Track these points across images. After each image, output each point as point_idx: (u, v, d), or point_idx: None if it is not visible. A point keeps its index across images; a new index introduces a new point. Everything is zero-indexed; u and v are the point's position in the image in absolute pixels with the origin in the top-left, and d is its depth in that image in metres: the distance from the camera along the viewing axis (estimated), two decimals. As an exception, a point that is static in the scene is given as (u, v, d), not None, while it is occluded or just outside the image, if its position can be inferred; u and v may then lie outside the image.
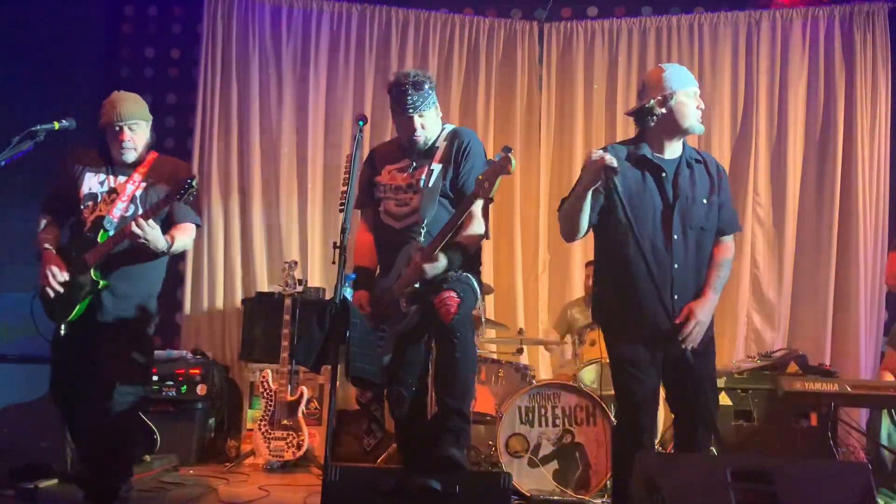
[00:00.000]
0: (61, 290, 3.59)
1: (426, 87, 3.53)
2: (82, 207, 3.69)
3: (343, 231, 3.26)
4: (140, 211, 3.63)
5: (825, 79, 6.09)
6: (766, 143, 6.13)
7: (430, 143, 3.62)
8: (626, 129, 6.20)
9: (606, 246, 3.35)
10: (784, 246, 6.03)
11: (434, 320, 3.39)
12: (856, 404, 4.98)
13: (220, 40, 6.28)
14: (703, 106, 3.29)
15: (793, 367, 4.98)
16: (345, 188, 3.37)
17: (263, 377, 5.22)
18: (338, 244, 3.25)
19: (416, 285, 3.44)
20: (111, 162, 3.76)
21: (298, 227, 6.29)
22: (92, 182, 3.73)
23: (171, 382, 5.35)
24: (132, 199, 3.68)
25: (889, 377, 4.90)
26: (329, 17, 6.39)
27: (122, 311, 3.66)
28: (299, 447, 5.11)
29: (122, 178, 3.73)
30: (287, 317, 5.18)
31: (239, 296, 6.13)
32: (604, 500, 4.30)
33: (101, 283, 3.60)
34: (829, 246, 5.95)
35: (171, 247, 3.66)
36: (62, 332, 3.63)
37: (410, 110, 3.52)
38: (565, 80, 6.36)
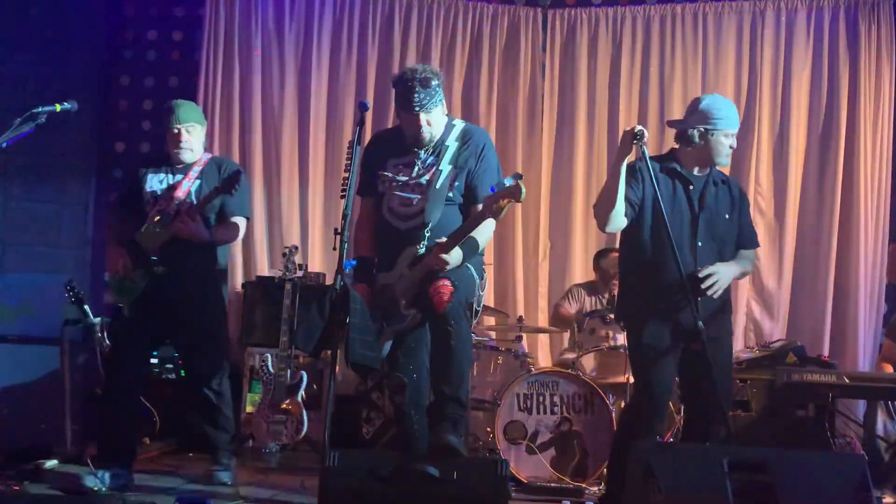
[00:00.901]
0: (126, 276, 4.03)
1: (434, 83, 3.48)
2: (146, 204, 4.10)
3: (344, 217, 3.27)
4: (194, 205, 4.02)
5: (829, 70, 6.07)
6: (768, 133, 6.11)
7: (435, 139, 3.59)
8: (628, 117, 6.19)
9: (640, 241, 3.57)
10: (785, 236, 6.02)
11: (429, 309, 3.39)
12: (853, 396, 4.99)
13: (222, 24, 6.25)
14: (735, 145, 3.62)
15: (791, 358, 4.99)
16: (346, 174, 3.37)
17: (263, 361, 5.23)
18: (339, 231, 3.25)
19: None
20: (170, 163, 4.17)
21: (299, 211, 6.28)
22: (153, 182, 4.14)
23: (171, 365, 5.37)
24: (188, 195, 4.07)
25: (888, 369, 4.92)
26: (332, 2, 6.36)
27: (182, 292, 4.03)
28: (298, 431, 5.12)
29: (179, 177, 4.14)
30: (287, 301, 5.18)
31: (239, 280, 6.12)
32: (600, 487, 4.32)
33: (158, 269, 3.98)
34: (830, 237, 5.94)
35: (212, 239, 4.07)
36: (126, 312, 4.05)
37: (417, 108, 3.48)
38: (568, 67, 6.33)
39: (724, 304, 3.63)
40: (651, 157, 3.49)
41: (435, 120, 3.54)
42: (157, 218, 4.02)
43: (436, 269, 3.36)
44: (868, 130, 5.97)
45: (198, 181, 4.11)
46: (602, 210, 3.49)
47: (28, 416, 4.67)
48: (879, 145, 5.98)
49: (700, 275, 3.41)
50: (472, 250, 3.50)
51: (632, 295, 3.66)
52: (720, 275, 3.45)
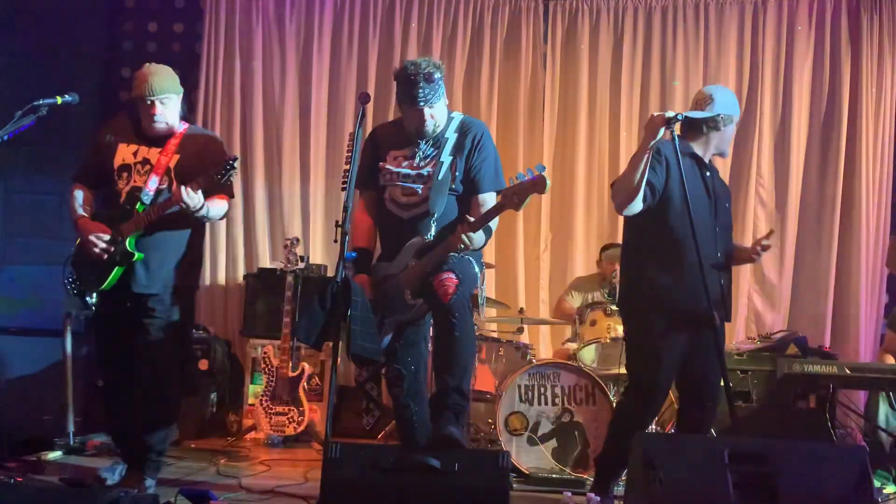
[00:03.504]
0: (111, 249, 3.63)
1: (437, 77, 3.49)
2: (116, 179, 3.73)
3: (345, 210, 3.28)
4: (174, 184, 3.66)
5: (831, 60, 6.06)
6: (770, 125, 6.11)
7: (437, 131, 3.60)
8: (629, 109, 6.19)
9: (663, 227, 3.48)
10: (786, 228, 6.02)
11: (433, 301, 3.40)
12: (854, 387, 5.00)
13: (223, 15, 6.25)
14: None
15: (792, 349, 5.00)
16: (347, 167, 3.37)
17: (265, 353, 5.25)
18: (340, 223, 3.26)
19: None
20: (143, 133, 3.78)
21: (301, 203, 6.29)
22: (125, 153, 3.75)
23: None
24: (166, 172, 3.70)
25: (889, 360, 4.92)
26: (333, -7, 6.37)
27: (157, 281, 3.71)
28: (300, 423, 5.14)
29: (154, 150, 3.74)
30: (289, 293, 5.19)
31: (241, 271, 6.14)
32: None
33: (137, 255, 3.65)
34: (831, 228, 5.95)
35: (208, 212, 3.67)
36: (92, 300, 3.70)
37: (421, 103, 3.49)
38: (570, 58, 6.32)
39: (727, 300, 3.64)
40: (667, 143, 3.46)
41: (438, 113, 3.56)
42: (133, 194, 3.66)
43: (458, 248, 3.36)
44: (869, 122, 5.96)
45: (177, 156, 3.73)
46: (625, 193, 3.39)
47: (30, 408, 4.68)
48: (881, 136, 5.98)
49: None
50: (488, 235, 3.54)
51: (641, 286, 3.57)
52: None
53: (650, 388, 3.53)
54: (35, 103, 3.39)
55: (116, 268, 3.66)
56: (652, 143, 3.29)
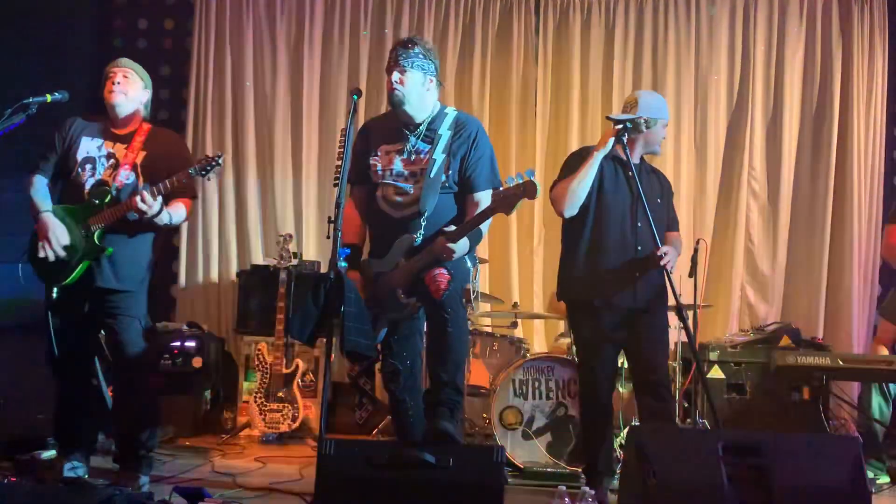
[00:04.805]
0: (63, 254, 3.61)
1: (416, 48, 3.47)
2: (80, 170, 3.72)
3: (337, 206, 3.26)
4: (141, 180, 3.70)
5: (822, 51, 6.07)
6: (761, 116, 6.11)
7: (404, 100, 3.55)
8: (621, 101, 6.14)
9: (579, 228, 3.83)
10: (779, 219, 6.04)
11: (426, 297, 3.40)
12: (847, 378, 5.01)
13: (213, 11, 6.23)
14: (665, 136, 4.00)
15: (786, 341, 5.01)
16: (339, 162, 3.36)
17: (259, 350, 5.24)
18: (332, 219, 3.25)
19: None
20: (107, 126, 3.80)
21: (293, 199, 6.27)
22: (89, 146, 3.77)
23: (167, 355, 5.33)
24: (133, 168, 3.72)
25: (882, 350, 4.93)
26: (323, -12, 6.34)
27: (121, 277, 3.71)
28: (294, 419, 5.13)
29: (120, 146, 3.76)
30: (282, 290, 5.19)
31: (234, 268, 6.13)
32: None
33: (108, 250, 3.64)
34: (824, 220, 5.96)
35: (170, 219, 3.69)
36: (54, 295, 3.67)
37: (392, 66, 3.49)
38: (562, 52, 6.30)
39: (662, 292, 3.82)
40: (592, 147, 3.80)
41: (409, 82, 3.50)
42: (101, 188, 3.65)
43: (441, 258, 3.35)
44: (861, 113, 5.98)
45: (144, 153, 3.74)
46: (574, 197, 3.73)
47: (24, 407, 4.66)
48: (872, 127, 5.99)
49: (659, 253, 3.66)
50: (476, 240, 3.52)
51: (567, 285, 3.92)
52: (671, 254, 3.73)
53: (591, 380, 3.82)
54: (24, 101, 3.38)
55: (83, 262, 3.64)
56: (605, 150, 3.68)
